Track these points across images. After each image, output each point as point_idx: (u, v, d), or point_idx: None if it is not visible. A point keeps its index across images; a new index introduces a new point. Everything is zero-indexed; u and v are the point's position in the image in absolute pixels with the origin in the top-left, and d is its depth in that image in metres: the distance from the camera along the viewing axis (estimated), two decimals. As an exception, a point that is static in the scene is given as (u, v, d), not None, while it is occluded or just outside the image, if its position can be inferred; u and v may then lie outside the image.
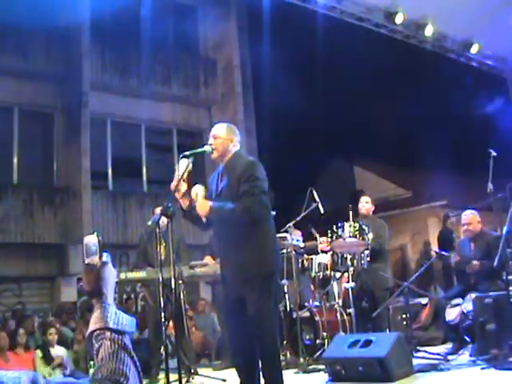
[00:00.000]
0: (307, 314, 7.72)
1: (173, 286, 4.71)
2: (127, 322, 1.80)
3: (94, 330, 1.75)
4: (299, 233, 8.58)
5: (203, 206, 4.55)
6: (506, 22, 10.04)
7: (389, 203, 18.36)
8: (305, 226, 8.20)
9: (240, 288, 4.60)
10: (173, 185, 4.60)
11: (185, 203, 4.67)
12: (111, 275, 1.88)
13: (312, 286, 8.60)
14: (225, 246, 4.72)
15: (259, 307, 4.48)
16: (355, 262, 7.06)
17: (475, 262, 6.93)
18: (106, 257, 1.90)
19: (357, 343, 5.73)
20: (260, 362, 4.58)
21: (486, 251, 6.95)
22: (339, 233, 7.02)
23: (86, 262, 1.89)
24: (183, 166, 4.58)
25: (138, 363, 1.72)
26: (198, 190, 4.65)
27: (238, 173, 4.61)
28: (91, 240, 1.92)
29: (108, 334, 1.73)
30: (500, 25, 10.21)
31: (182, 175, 4.57)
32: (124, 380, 1.64)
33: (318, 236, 7.93)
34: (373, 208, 7.96)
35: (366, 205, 7.91)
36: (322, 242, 7.75)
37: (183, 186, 4.62)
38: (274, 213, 6.97)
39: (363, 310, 7.47)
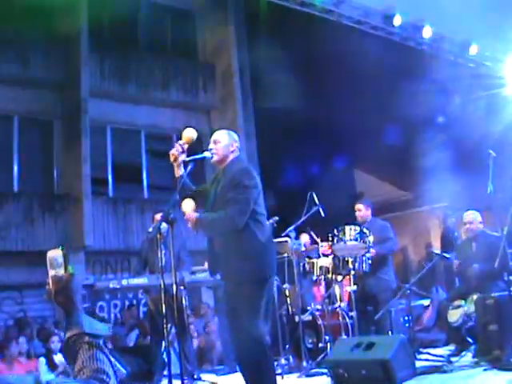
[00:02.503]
0: (309, 317, 7.72)
1: (174, 292, 4.71)
2: (100, 327, 1.92)
3: (71, 336, 1.86)
4: (307, 237, 8.59)
5: (190, 218, 4.64)
6: (504, 21, 10.05)
7: (389, 205, 18.35)
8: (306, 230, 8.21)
9: (231, 293, 4.68)
10: (173, 151, 4.73)
11: (177, 172, 4.80)
12: (78, 286, 1.98)
13: (314, 290, 8.61)
14: (218, 253, 4.78)
15: (245, 313, 4.51)
16: (357, 265, 7.06)
17: (475, 266, 6.92)
18: (72, 269, 1.99)
19: (359, 346, 5.73)
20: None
21: (487, 252, 6.94)
22: (340, 236, 7.02)
23: (53, 274, 1.97)
24: (187, 135, 4.75)
25: (113, 363, 1.84)
26: (188, 204, 4.70)
27: (228, 180, 4.67)
28: (56, 254, 2.01)
29: (86, 338, 1.85)
30: (498, 25, 10.22)
31: (183, 144, 4.73)
32: (107, 378, 1.75)
33: (318, 240, 7.93)
34: (368, 212, 7.93)
35: (359, 213, 7.91)
36: (324, 247, 7.75)
37: (183, 156, 4.75)
38: (276, 218, 7.02)
39: (366, 313, 7.47)
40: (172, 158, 4.75)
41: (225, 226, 4.61)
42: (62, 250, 2.01)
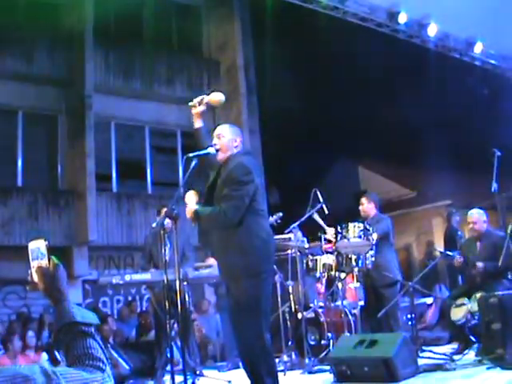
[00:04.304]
0: (312, 314, 7.72)
1: (177, 288, 4.72)
2: (90, 315, 1.93)
3: (63, 326, 1.87)
4: (300, 233, 8.57)
5: (189, 211, 4.68)
6: (510, 20, 10.03)
7: (393, 203, 18.35)
8: (308, 227, 8.18)
9: (230, 289, 4.71)
10: (195, 100, 4.94)
11: (197, 122, 5.01)
12: (64, 276, 2.00)
13: (318, 287, 8.60)
14: (215, 247, 4.84)
15: (241, 308, 4.54)
16: (360, 262, 7.04)
17: (479, 265, 6.91)
18: (56, 259, 2.00)
19: (362, 343, 5.72)
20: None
21: (491, 251, 6.94)
22: (344, 233, 6.99)
23: (38, 266, 1.98)
24: (214, 95, 4.95)
25: (105, 351, 1.86)
26: (190, 196, 4.72)
27: (224, 175, 4.68)
28: (38, 244, 2.01)
29: (78, 327, 1.86)
30: (503, 23, 10.19)
31: (206, 100, 4.92)
32: (103, 365, 1.78)
33: (325, 227, 7.83)
34: (371, 206, 7.81)
35: (361, 207, 7.80)
36: (329, 236, 7.68)
37: (201, 108, 4.94)
38: (281, 214, 7.02)
39: (369, 310, 7.46)
40: (190, 105, 4.95)
41: (218, 221, 4.63)
42: (44, 240, 2.00)
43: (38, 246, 1.99)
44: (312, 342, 7.54)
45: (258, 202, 4.69)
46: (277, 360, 6.05)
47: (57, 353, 1.88)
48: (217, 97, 4.94)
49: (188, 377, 5.57)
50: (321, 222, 7.89)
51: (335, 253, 7.39)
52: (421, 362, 6.01)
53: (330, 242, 7.73)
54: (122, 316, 11.27)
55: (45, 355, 8.23)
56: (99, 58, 14.91)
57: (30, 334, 8.49)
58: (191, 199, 4.70)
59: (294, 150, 20.18)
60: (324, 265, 7.64)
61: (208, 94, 4.95)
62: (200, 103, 4.92)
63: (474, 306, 6.61)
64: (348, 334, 7.09)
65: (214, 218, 4.64)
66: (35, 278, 1.98)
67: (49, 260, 1.99)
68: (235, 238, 4.60)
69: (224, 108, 16.31)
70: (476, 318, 6.56)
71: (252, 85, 17.28)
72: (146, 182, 15.89)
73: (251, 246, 4.58)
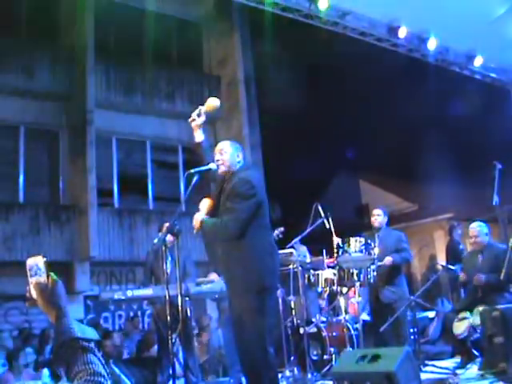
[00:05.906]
0: (314, 329, 7.70)
1: (179, 303, 4.71)
2: (89, 331, 1.93)
3: (64, 342, 1.86)
4: (305, 248, 8.56)
5: (197, 219, 4.71)
6: (509, 34, 10.07)
7: (395, 217, 18.33)
8: (310, 241, 8.19)
9: (235, 303, 4.72)
10: (193, 114, 4.95)
11: (198, 136, 4.99)
12: (63, 292, 2.00)
13: (320, 302, 8.58)
14: (220, 262, 4.85)
15: (245, 323, 4.54)
16: (362, 276, 7.03)
17: (481, 278, 6.90)
18: (54, 275, 2.01)
19: (364, 358, 5.70)
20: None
21: (493, 264, 6.93)
22: (345, 248, 6.99)
23: (36, 282, 1.98)
24: (210, 103, 4.97)
25: (105, 366, 1.86)
26: (205, 204, 4.75)
27: (228, 190, 4.69)
28: (36, 261, 2.02)
29: (79, 342, 1.86)
30: (503, 37, 10.23)
31: (203, 110, 4.93)
32: (104, 380, 1.79)
33: (322, 213, 7.82)
34: (386, 219, 7.91)
35: (378, 217, 7.87)
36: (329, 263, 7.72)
37: (201, 119, 4.94)
38: (282, 229, 7.02)
39: (374, 325, 7.44)
40: (190, 120, 4.95)
41: (219, 233, 4.66)
42: (43, 257, 2.01)
43: (36, 263, 2.00)
44: (314, 357, 7.52)
45: (262, 216, 4.71)
46: (279, 375, 6.03)
47: (58, 369, 1.88)
48: (212, 103, 4.98)
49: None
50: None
51: (337, 267, 7.38)
52: (424, 376, 5.99)
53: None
54: (127, 331, 11.25)
55: (46, 371, 8.21)
56: (100, 73, 14.98)
57: (28, 350, 8.49)
58: (204, 207, 4.73)
59: (295, 165, 20.21)
60: (326, 279, 7.63)
61: (203, 105, 4.98)
62: (199, 115, 4.94)
63: (476, 319, 6.60)
64: (350, 349, 7.06)
65: (215, 229, 4.67)
66: (33, 294, 1.98)
67: (47, 276, 1.99)
68: (239, 253, 4.60)
69: (225, 122, 16.40)
70: (478, 331, 6.54)
71: (252, 99, 17.33)
72: (147, 197, 15.90)
73: (255, 260, 4.59)
